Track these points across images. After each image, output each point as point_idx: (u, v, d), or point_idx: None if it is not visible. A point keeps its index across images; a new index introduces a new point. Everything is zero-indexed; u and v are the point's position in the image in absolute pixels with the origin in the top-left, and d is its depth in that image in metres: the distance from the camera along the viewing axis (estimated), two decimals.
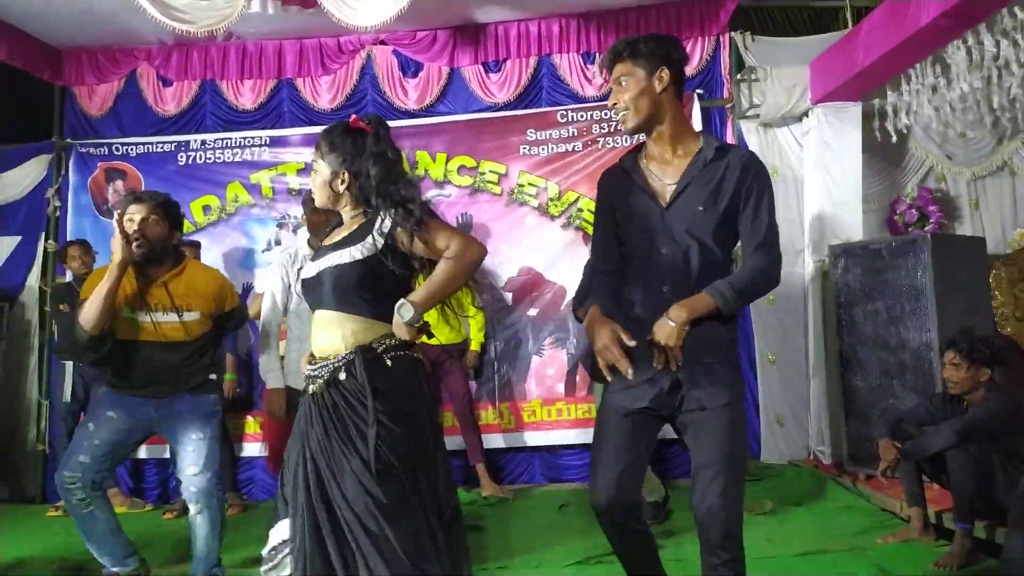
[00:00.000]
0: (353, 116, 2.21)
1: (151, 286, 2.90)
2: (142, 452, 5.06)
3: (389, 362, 2.01)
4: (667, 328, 1.94)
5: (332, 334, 2.04)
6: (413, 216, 2.02)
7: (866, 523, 3.80)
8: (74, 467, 2.82)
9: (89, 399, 4.82)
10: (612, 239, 2.17)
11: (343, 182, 2.13)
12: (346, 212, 2.18)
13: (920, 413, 3.54)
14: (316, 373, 2.06)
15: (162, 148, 5.44)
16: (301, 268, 2.49)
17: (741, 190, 2.02)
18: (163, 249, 2.93)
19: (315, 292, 2.09)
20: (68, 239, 5.24)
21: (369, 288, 2.03)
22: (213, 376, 3.11)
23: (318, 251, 2.16)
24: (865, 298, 4.48)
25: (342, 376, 2.00)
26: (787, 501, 4.26)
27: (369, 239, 2.02)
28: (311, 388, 2.06)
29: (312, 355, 2.11)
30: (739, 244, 2.11)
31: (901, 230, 5.16)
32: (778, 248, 2.05)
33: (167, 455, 4.87)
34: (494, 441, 5.04)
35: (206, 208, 5.38)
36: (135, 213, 2.85)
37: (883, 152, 5.30)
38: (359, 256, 2.01)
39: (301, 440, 2.03)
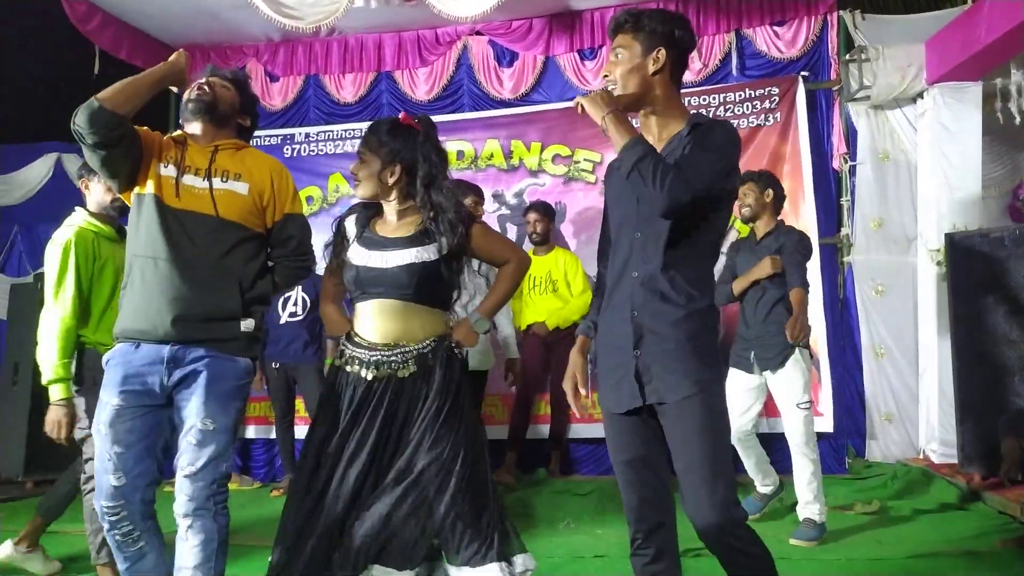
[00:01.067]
0: (403, 114, 2.30)
1: (196, 148, 2.25)
2: (249, 432, 5.33)
3: (456, 353, 2.24)
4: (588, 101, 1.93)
5: (406, 323, 2.17)
6: (462, 225, 2.21)
7: (983, 526, 3.60)
8: (110, 495, 2.06)
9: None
10: (608, 233, 2.06)
11: (393, 175, 2.21)
12: (391, 205, 2.27)
13: None
14: (387, 358, 2.14)
15: (269, 141, 5.66)
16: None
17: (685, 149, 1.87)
18: (226, 114, 2.29)
19: (386, 283, 2.17)
20: None
21: (438, 284, 2.21)
22: (250, 324, 2.17)
23: (370, 241, 2.23)
24: (984, 290, 4.23)
25: (429, 360, 2.16)
26: (897, 501, 4.09)
27: (435, 244, 2.19)
28: (371, 372, 2.14)
29: (358, 337, 2.19)
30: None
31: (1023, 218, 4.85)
32: (688, 178, 1.77)
33: (272, 435, 5.10)
34: (583, 431, 5.00)
35: (309, 199, 5.57)
36: (208, 75, 2.34)
37: (1005, 135, 4.99)
38: (435, 256, 2.18)
39: (339, 423, 2.14)
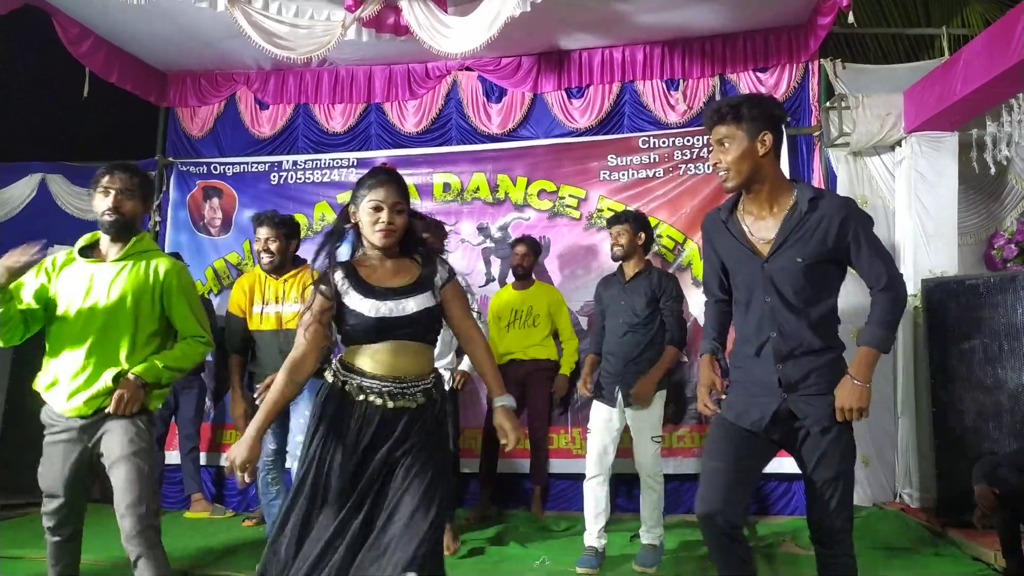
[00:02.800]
0: (386, 163, 2.42)
1: None
2: (222, 459, 5.24)
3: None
4: (855, 390, 2.16)
5: (418, 359, 2.32)
6: (450, 279, 2.39)
7: (957, 572, 3.61)
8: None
9: (179, 405, 5.04)
10: (718, 273, 2.43)
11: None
12: (390, 253, 2.36)
13: (1019, 458, 3.36)
14: (402, 390, 2.26)
15: (256, 168, 5.69)
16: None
17: (847, 238, 2.17)
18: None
19: (409, 326, 2.29)
20: (166, 252, 5.53)
21: (438, 325, 2.39)
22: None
23: (373, 291, 2.29)
24: (960, 336, 4.29)
25: (433, 394, 2.32)
26: (872, 544, 4.08)
27: (431, 291, 2.33)
28: (378, 400, 2.25)
29: (368, 371, 2.29)
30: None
31: (999, 266, 4.94)
32: (898, 271, 2.20)
33: None
34: (563, 467, 5.00)
35: None
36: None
37: (980, 184, 5.10)
38: (435, 302, 2.33)
39: (351, 444, 2.23)
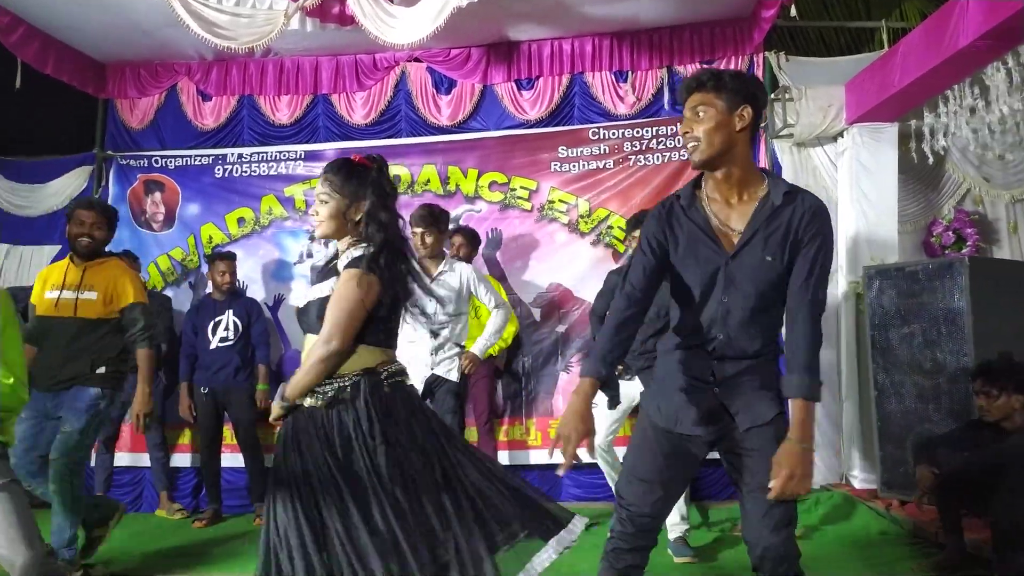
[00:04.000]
0: (356, 156, 2.33)
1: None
2: (177, 460, 5.15)
3: (387, 388, 2.16)
4: (804, 456, 1.83)
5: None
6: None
7: (900, 551, 3.73)
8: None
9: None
10: (649, 276, 2.04)
11: (356, 213, 2.24)
12: (344, 243, 2.28)
13: (957, 439, 3.47)
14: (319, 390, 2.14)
15: (200, 161, 5.55)
16: None
17: (804, 244, 1.94)
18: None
19: (304, 319, 2.25)
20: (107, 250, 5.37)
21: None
22: (102, 370, 3.49)
23: (316, 277, 2.29)
24: (900, 321, 4.41)
25: (347, 395, 2.12)
26: (819, 526, 4.19)
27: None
28: (308, 402, 2.14)
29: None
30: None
31: (937, 252, 5.09)
32: (823, 303, 1.98)
33: (200, 464, 4.95)
34: (520, 457, 5.01)
35: (240, 220, 5.46)
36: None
37: (919, 173, 5.24)
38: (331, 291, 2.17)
39: (297, 453, 2.11)
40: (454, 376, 3.92)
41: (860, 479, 4.74)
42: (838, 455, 4.94)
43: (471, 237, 4.84)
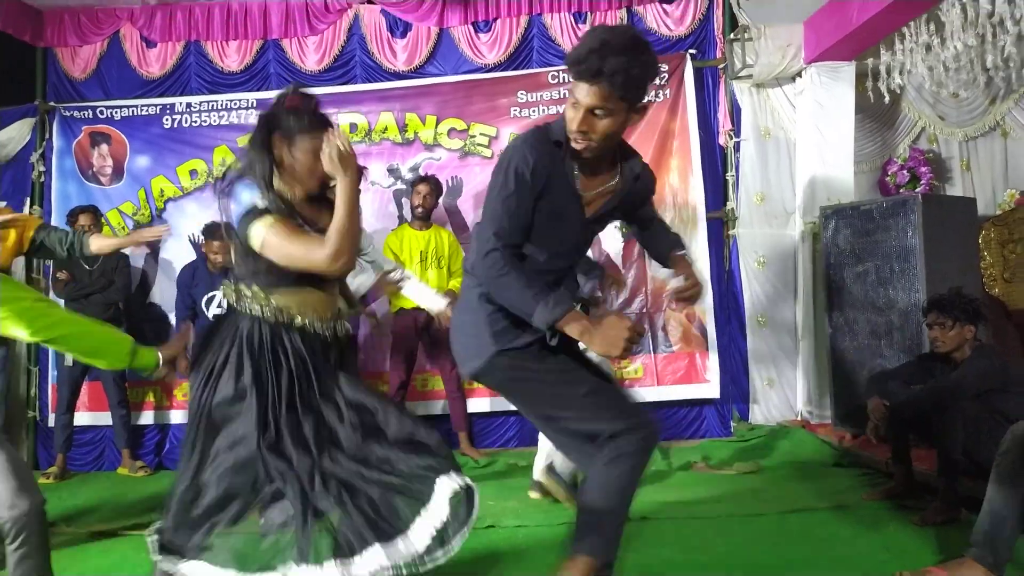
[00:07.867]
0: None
1: None
2: (142, 419, 5.11)
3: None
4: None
5: None
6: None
7: (853, 482, 3.86)
8: None
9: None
10: (527, 218, 1.95)
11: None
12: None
13: (908, 372, 3.58)
14: None
15: (147, 111, 5.35)
16: None
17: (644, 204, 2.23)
18: None
19: None
20: (53, 204, 5.24)
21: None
22: None
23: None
24: (855, 259, 4.49)
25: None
26: (776, 461, 4.32)
27: None
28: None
29: None
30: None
31: (892, 191, 5.16)
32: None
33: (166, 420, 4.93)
34: (480, 406, 5.02)
35: (193, 172, 5.31)
36: None
37: (876, 113, 5.28)
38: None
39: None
40: None
41: (816, 415, 4.87)
42: (795, 392, 5.06)
43: (436, 186, 4.79)
